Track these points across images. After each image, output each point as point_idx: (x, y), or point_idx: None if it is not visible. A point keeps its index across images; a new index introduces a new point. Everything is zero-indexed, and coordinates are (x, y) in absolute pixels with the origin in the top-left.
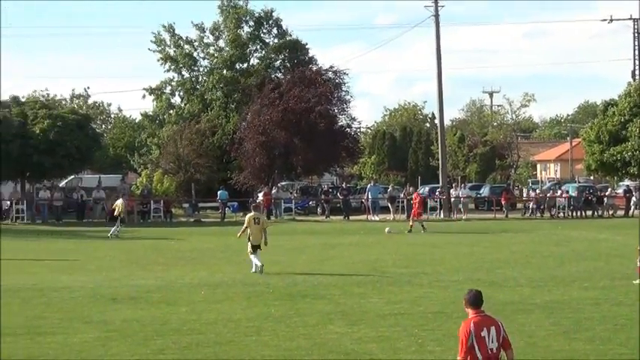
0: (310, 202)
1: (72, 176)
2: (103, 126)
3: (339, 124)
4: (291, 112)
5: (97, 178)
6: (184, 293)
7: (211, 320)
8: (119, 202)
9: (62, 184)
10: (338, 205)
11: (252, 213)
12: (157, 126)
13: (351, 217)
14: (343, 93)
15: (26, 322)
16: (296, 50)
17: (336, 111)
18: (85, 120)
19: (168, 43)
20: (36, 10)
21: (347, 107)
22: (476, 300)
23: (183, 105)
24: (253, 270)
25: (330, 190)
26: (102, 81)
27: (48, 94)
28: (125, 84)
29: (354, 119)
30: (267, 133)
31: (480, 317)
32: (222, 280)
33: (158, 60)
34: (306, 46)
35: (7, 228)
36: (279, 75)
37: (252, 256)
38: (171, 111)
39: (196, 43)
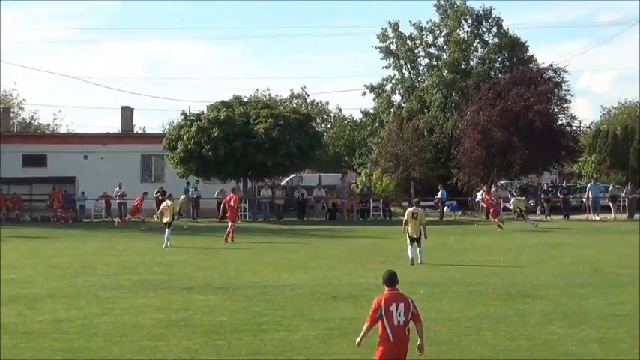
0: (530, 202)
1: (293, 175)
2: (323, 125)
3: (559, 122)
4: (509, 111)
5: (317, 177)
6: (404, 291)
7: (431, 319)
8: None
9: (283, 182)
10: (557, 204)
11: (411, 208)
12: (378, 125)
13: (570, 217)
14: (563, 92)
15: (249, 318)
16: (515, 49)
17: (555, 110)
18: (305, 119)
19: (392, 39)
20: (260, 10)
21: (567, 106)
22: (390, 279)
23: (402, 104)
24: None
25: (550, 189)
26: (318, 80)
27: (269, 94)
28: (342, 84)
29: (574, 118)
30: (486, 132)
31: (392, 294)
32: (441, 279)
33: (380, 51)
34: (526, 45)
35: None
36: (499, 74)
37: (409, 249)
38: (390, 109)
39: (417, 42)
